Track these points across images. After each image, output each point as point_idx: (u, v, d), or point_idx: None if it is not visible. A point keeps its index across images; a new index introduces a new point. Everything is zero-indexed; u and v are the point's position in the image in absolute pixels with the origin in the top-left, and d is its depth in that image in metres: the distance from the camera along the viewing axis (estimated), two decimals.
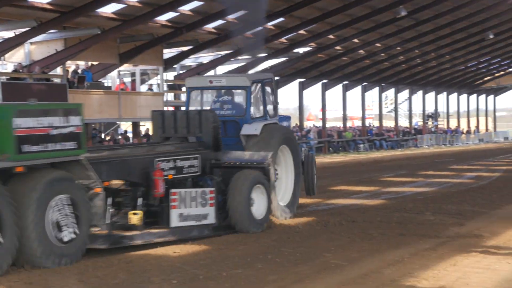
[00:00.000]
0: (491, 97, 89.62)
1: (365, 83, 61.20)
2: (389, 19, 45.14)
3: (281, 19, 39.82)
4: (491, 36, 57.88)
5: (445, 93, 77.88)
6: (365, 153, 52.03)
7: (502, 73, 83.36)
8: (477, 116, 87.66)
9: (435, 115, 75.55)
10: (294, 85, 55.11)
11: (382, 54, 55.45)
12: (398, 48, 55.09)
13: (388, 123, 77.02)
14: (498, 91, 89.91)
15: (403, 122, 78.50)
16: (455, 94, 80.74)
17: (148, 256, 12.07)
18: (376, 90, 65.84)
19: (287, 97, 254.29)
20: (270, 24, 41.04)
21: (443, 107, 79.41)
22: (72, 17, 29.58)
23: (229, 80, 18.32)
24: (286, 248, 12.65)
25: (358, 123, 72.73)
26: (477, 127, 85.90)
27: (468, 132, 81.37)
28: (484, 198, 20.44)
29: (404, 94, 72.30)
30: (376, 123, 71.31)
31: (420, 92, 73.78)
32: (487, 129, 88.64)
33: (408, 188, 23.47)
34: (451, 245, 12.84)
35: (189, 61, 45.36)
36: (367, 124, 65.16)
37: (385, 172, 27.59)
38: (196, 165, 15.36)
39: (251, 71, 47.14)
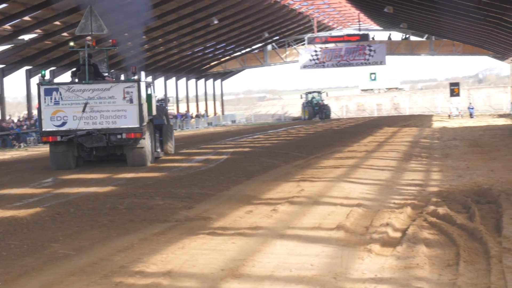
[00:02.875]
0: (218, 82, 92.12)
1: None
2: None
3: (4, 5, 38.62)
4: (216, 22, 59.46)
5: (174, 78, 79.04)
6: None
7: (227, 57, 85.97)
8: (206, 100, 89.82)
9: (165, 101, 76.34)
10: (21, 73, 53.64)
11: (110, 41, 55.22)
12: (126, 34, 55.09)
13: None
14: (224, 75, 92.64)
15: None
16: (184, 79, 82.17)
17: None
18: None
19: (14, 85, 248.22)
20: None
21: (173, 93, 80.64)
22: None
23: None
24: (12, 241, 12.30)
25: None
26: (206, 111, 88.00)
27: (198, 116, 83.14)
28: (212, 180, 20.96)
29: None
30: None
31: (149, 78, 74.32)
32: (215, 113, 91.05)
33: (138, 174, 23.57)
34: (180, 229, 13.05)
35: None
36: None
37: (117, 160, 27.58)
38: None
39: None
